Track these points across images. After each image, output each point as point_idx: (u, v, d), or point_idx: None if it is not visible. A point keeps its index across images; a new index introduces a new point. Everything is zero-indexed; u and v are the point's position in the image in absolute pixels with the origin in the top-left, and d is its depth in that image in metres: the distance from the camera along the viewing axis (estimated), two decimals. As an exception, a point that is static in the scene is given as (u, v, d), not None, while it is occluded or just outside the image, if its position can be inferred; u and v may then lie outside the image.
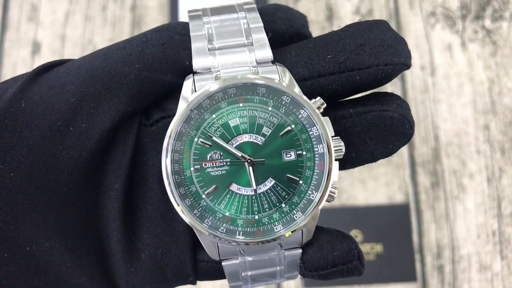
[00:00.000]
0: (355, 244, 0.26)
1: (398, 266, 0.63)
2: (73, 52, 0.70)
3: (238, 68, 0.26)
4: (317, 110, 0.25)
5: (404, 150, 0.67)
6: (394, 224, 0.64)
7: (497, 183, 0.65)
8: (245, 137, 0.26)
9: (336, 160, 0.25)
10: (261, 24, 0.27)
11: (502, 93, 0.68)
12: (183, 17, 0.70)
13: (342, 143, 0.25)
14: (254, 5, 0.28)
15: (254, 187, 0.25)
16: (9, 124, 0.25)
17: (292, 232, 0.25)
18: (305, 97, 0.25)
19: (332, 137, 0.25)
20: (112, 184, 0.26)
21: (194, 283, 0.29)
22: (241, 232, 0.25)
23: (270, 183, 0.25)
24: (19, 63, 0.70)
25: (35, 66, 0.70)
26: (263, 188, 0.25)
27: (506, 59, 0.69)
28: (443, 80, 0.69)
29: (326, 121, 0.25)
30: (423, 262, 0.63)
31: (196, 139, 0.26)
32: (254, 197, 0.25)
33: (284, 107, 0.25)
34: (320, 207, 0.25)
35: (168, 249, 0.27)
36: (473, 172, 0.66)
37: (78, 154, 0.25)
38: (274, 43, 0.28)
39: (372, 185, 0.65)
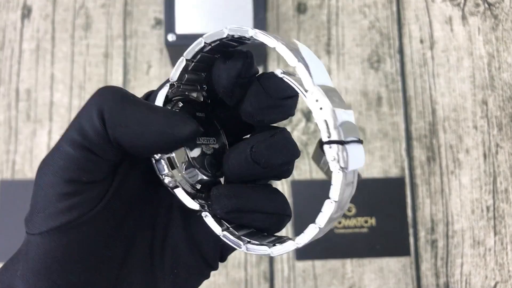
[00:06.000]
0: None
1: (392, 240, 0.64)
2: (65, 17, 0.68)
3: None
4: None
5: (400, 124, 0.66)
6: (388, 198, 0.64)
7: (494, 158, 0.65)
8: None
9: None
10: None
11: (502, 68, 0.67)
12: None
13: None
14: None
15: None
16: None
17: None
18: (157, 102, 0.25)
19: None
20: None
21: None
22: None
23: None
24: (8, 26, 0.68)
25: (25, 31, 0.68)
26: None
27: (507, 34, 0.68)
28: (442, 54, 0.68)
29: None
30: (416, 236, 0.64)
31: None
32: None
33: None
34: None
35: None
36: (469, 147, 0.65)
37: None
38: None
39: (367, 159, 0.65)
